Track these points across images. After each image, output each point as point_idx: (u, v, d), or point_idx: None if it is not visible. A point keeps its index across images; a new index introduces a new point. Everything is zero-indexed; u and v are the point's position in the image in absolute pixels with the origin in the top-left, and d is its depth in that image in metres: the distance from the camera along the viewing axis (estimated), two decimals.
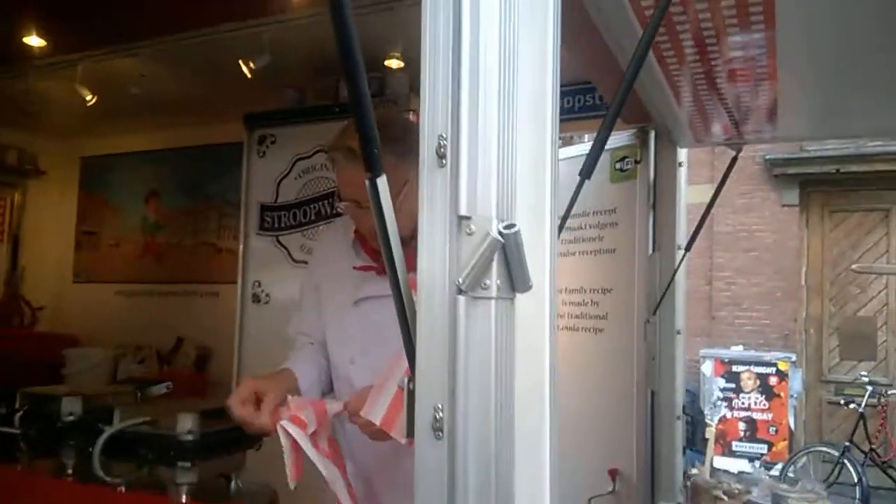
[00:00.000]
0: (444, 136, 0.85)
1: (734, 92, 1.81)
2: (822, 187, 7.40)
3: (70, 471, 1.45)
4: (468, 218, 0.83)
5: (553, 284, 0.96)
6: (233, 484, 1.54)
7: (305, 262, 2.89)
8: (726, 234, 7.57)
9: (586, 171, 1.21)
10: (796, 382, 6.84)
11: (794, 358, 6.86)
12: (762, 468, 6.54)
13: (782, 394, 6.67)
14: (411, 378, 0.93)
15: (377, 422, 1.06)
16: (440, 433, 0.83)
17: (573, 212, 1.72)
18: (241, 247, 3.12)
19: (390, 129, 1.44)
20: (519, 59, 0.88)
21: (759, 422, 6.72)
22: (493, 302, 0.82)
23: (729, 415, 6.76)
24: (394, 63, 2.81)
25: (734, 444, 6.76)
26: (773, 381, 6.71)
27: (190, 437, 1.36)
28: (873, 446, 5.81)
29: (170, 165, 4.40)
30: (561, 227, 1.81)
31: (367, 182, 0.84)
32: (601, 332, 2.53)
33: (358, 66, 0.80)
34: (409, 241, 1.50)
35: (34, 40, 1.58)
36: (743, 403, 6.77)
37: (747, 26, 1.38)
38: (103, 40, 1.75)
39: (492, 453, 0.82)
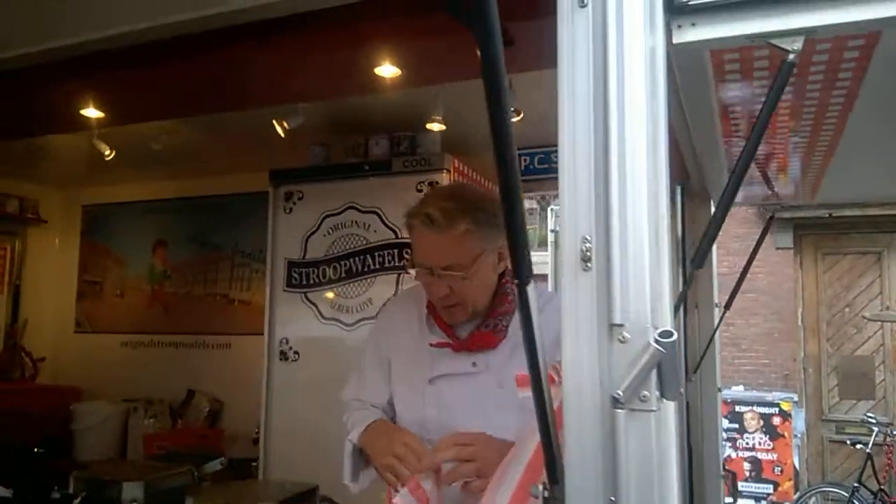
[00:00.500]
0: (589, 238, 0.83)
1: (789, 163, 1.82)
2: (815, 230, 7.52)
3: None
4: (621, 325, 0.81)
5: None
6: None
7: (335, 320, 2.86)
8: (723, 275, 7.61)
9: (699, 261, 1.21)
10: (800, 422, 6.86)
11: (795, 398, 6.88)
12: None
13: (786, 433, 6.67)
14: (548, 488, 0.90)
15: None
16: None
17: None
18: (268, 303, 3.06)
19: (465, 199, 1.46)
20: (659, 152, 0.88)
21: (763, 462, 6.71)
22: (652, 414, 0.79)
23: (734, 455, 6.74)
24: (435, 126, 2.81)
25: (740, 484, 6.71)
26: (776, 420, 6.71)
27: None
28: (882, 486, 5.80)
29: (178, 215, 4.35)
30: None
31: (516, 289, 0.82)
32: None
33: (515, 178, 0.79)
34: (483, 314, 1.48)
35: (91, 112, 1.57)
36: (747, 443, 6.76)
37: (824, 110, 1.40)
38: (145, 115, 1.74)
39: None
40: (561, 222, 0.86)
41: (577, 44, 0.86)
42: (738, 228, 7.71)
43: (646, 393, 0.79)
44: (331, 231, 2.96)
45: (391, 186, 2.83)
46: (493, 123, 0.80)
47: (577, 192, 0.85)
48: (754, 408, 6.80)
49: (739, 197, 2.45)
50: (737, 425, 6.78)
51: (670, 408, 0.84)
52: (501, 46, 0.67)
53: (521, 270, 0.82)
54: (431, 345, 1.54)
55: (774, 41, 0.89)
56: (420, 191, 2.75)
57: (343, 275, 2.86)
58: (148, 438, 3.53)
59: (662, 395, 0.82)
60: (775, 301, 7.58)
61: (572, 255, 0.84)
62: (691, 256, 1.86)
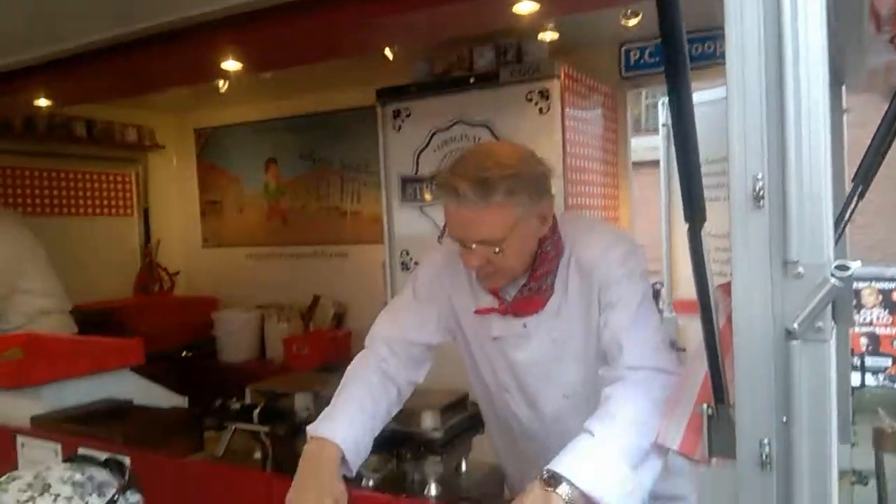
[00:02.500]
0: (760, 176, 0.85)
1: None
2: None
3: None
4: (795, 262, 0.84)
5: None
6: (463, 465, 1.65)
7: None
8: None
9: (864, 178, 1.18)
10: None
11: None
12: (886, 381, 6.47)
13: None
14: (713, 406, 0.98)
15: (675, 447, 1.11)
16: (769, 465, 0.87)
17: (719, 156, 1.68)
18: (385, 216, 3.20)
19: (498, 167, 1.32)
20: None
21: (881, 336, 6.60)
22: (827, 344, 0.84)
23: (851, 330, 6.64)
24: (547, 35, 2.74)
25: (855, 359, 6.66)
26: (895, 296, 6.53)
27: (437, 434, 1.46)
28: None
29: (286, 133, 4.51)
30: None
31: (687, 230, 0.86)
32: None
33: (689, 114, 0.81)
34: (526, 277, 1.42)
35: (231, 64, 1.64)
36: (864, 319, 6.64)
37: None
38: (283, 63, 1.79)
39: (828, 480, 0.86)
40: (730, 161, 0.87)
41: None
42: (856, 98, 7.17)
43: (820, 324, 0.83)
44: (440, 147, 3.01)
45: (499, 98, 2.82)
46: (668, 68, 0.82)
47: (748, 132, 0.86)
48: (872, 283, 6.62)
49: (882, 85, 2.31)
50: (854, 301, 6.62)
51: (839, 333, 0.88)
52: None
53: (693, 212, 0.86)
54: (478, 310, 1.49)
55: None
56: (530, 100, 2.73)
57: None
58: (287, 341, 3.87)
59: (835, 322, 0.86)
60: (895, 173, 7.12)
61: (743, 193, 0.86)
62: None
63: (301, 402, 1.70)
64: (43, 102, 2.12)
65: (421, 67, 3.08)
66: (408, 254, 3.13)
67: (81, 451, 0.94)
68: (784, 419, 0.85)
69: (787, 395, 0.85)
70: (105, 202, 4.83)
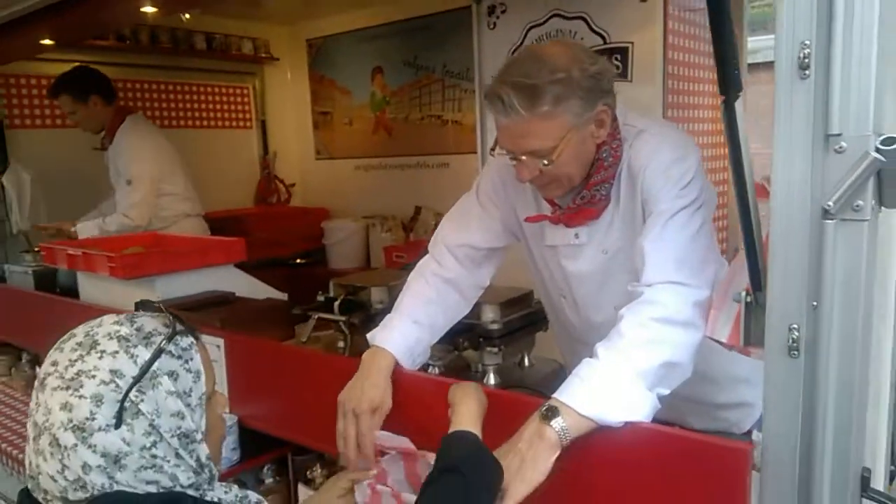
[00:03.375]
0: (808, 43, 0.78)
1: None
2: None
3: None
4: (838, 135, 0.77)
5: None
6: (525, 360, 1.69)
7: None
8: None
9: None
10: None
11: None
12: None
13: None
14: (749, 293, 0.94)
15: (724, 338, 1.07)
16: (796, 352, 0.84)
17: None
18: (478, 121, 3.18)
19: (545, 71, 1.24)
20: None
21: None
22: (865, 224, 0.78)
23: None
24: None
25: None
26: None
27: (495, 326, 1.50)
28: None
29: (390, 40, 4.51)
30: None
31: (722, 104, 0.81)
32: None
33: None
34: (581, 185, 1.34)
35: None
36: None
37: None
38: None
39: (856, 370, 0.82)
40: (777, 26, 0.80)
41: None
42: None
43: (860, 202, 0.78)
44: (536, 42, 2.90)
45: None
46: None
47: None
48: None
49: None
50: None
51: (885, 216, 0.81)
52: None
53: (728, 85, 0.81)
54: (527, 219, 1.48)
55: None
56: None
57: None
58: (387, 250, 4.02)
59: (882, 204, 0.80)
60: None
61: (788, 61, 0.80)
62: None
63: (376, 295, 1.79)
64: (149, 9, 2.24)
65: None
66: None
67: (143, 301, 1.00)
68: (815, 304, 0.81)
69: (819, 279, 0.80)
70: (226, 115, 5.11)
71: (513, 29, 2.96)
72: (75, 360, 0.87)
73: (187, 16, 4.20)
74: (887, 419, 0.97)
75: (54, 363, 0.88)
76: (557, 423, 1.04)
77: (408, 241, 4.12)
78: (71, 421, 0.84)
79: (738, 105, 0.79)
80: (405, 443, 1.20)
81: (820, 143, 0.79)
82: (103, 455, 0.84)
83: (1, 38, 2.62)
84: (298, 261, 4.58)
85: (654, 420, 1.08)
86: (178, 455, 0.88)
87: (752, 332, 0.93)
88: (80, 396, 0.84)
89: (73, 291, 2.57)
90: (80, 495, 0.85)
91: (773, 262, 0.84)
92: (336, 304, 1.79)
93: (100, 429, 0.84)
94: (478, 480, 0.99)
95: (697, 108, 2.82)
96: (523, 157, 1.30)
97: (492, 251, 1.57)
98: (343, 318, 1.75)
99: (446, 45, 4.14)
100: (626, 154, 1.35)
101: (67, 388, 0.85)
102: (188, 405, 0.90)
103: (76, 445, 0.83)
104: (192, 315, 1.96)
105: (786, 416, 0.86)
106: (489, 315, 1.53)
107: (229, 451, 1.74)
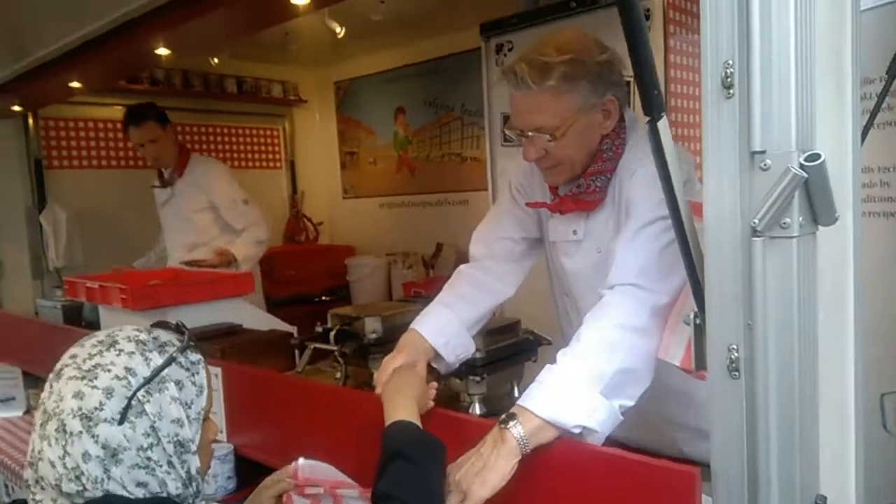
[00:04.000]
0: (731, 63, 0.79)
1: None
2: None
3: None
4: (762, 153, 0.77)
5: (857, 208, 0.88)
6: (515, 390, 1.68)
7: None
8: None
9: None
10: None
11: None
12: None
13: None
14: (697, 315, 0.92)
15: (677, 362, 1.06)
16: (736, 373, 0.82)
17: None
18: (489, 158, 3.21)
19: (559, 51, 1.29)
20: None
21: None
22: (794, 241, 0.77)
23: None
24: None
25: None
26: None
27: (478, 355, 1.50)
28: None
29: (412, 80, 4.63)
30: (875, 110, 1.56)
31: (647, 124, 0.82)
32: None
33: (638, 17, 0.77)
34: (580, 176, 1.36)
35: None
36: None
37: None
38: None
39: (795, 392, 0.80)
40: (702, 46, 0.81)
41: None
42: None
43: (787, 220, 0.77)
44: None
45: (598, 21, 2.67)
46: None
47: (719, 11, 0.80)
48: None
49: None
50: None
51: (831, 233, 0.81)
52: None
53: (651, 106, 0.82)
54: (528, 204, 1.51)
55: None
56: None
57: None
58: (406, 286, 4.07)
59: (816, 221, 0.79)
60: None
61: (713, 81, 0.81)
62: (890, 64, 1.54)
63: (370, 325, 1.81)
64: (163, 51, 2.35)
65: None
66: None
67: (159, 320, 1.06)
68: (749, 323, 0.80)
69: (751, 298, 0.79)
70: (256, 155, 5.28)
71: None
72: (94, 355, 0.93)
73: (216, 60, 4.39)
74: (854, 444, 0.93)
75: (73, 356, 0.95)
76: (516, 428, 1.04)
77: (428, 278, 4.16)
78: (80, 409, 0.89)
79: (663, 126, 0.80)
80: (330, 473, 1.20)
81: (746, 160, 0.79)
82: (103, 447, 0.88)
83: (34, 82, 2.78)
84: (323, 298, 4.65)
85: (644, 447, 1.07)
86: (170, 463, 0.92)
87: (698, 354, 0.92)
88: (94, 387, 0.90)
89: (96, 324, 2.66)
90: (73, 487, 0.88)
91: (709, 282, 0.84)
92: (331, 334, 1.82)
93: (105, 420, 0.88)
94: (426, 461, 1.01)
95: (696, 132, 2.82)
96: (530, 134, 1.34)
97: (527, 243, 1.60)
98: (336, 348, 1.77)
99: (464, 85, 4.23)
100: (626, 156, 1.38)
101: (83, 378, 0.91)
102: (188, 416, 0.95)
103: (81, 433, 0.88)
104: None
105: (731, 438, 0.84)
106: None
107: (225, 479, 1.75)
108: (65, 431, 0.88)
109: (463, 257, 4.39)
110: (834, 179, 0.78)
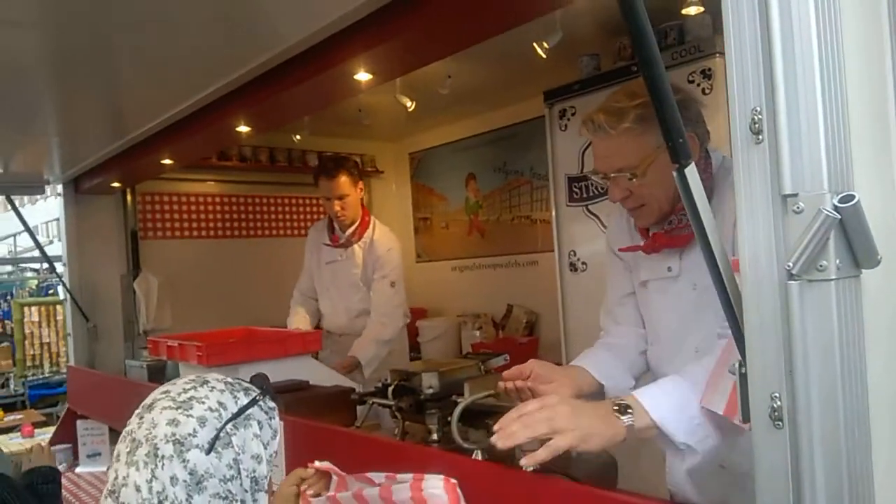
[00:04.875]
0: (759, 109, 0.80)
1: None
2: None
3: (435, 437, 1.70)
4: (794, 195, 0.77)
5: None
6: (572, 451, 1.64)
7: None
8: None
9: None
10: None
11: None
12: None
13: None
14: (741, 363, 0.90)
15: (720, 410, 1.03)
16: (780, 422, 0.79)
17: None
18: (554, 219, 3.24)
19: (631, 95, 1.36)
20: (843, 11, 0.78)
21: None
22: (832, 284, 0.75)
23: None
24: (692, 10, 2.60)
25: None
26: None
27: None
28: None
29: (482, 148, 4.76)
30: None
31: (675, 173, 0.83)
32: None
33: (654, 55, 0.79)
34: (669, 215, 1.38)
35: (363, 76, 1.86)
36: None
37: None
38: (418, 62, 1.96)
39: (842, 442, 0.76)
40: (730, 93, 0.83)
41: None
42: None
43: (823, 262, 0.75)
44: None
45: None
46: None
47: (744, 60, 0.81)
48: None
49: None
50: None
51: (874, 276, 0.78)
52: None
53: (678, 154, 0.83)
54: (620, 249, 1.56)
55: None
56: (692, 81, 2.58)
57: None
58: (475, 346, 4.06)
59: (858, 264, 0.77)
60: None
61: (743, 127, 0.82)
62: None
63: (427, 380, 1.82)
64: (243, 128, 2.53)
65: (586, 63, 3.08)
66: (575, 254, 3.13)
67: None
68: (790, 370, 0.78)
69: (790, 344, 0.77)
70: None
71: None
72: (188, 389, 1.01)
73: (298, 137, 4.66)
74: None
75: (166, 392, 1.02)
76: (627, 418, 1.11)
77: (497, 338, 4.14)
78: (174, 434, 0.94)
79: (691, 172, 0.81)
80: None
81: (779, 204, 0.78)
82: (191, 473, 0.93)
83: (130, 159, 3.04)
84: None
85: None
86: (243, 501, 0.97)
87: (743, 403, 0.89)
88: (189, 416, 0.96)
89: None
90: None
91: (748, 329, 0.82)
92: (389, 389, 1.84)
93: (196, 447, 0.94)
94: None
95: None
96: (613, 175, 1.40)
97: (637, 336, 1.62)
98: (393, 403, 1.79)
99: (532, 150, 4.31)
100: (717, 192, 1.40)
101: (178, 407, 0.97)
102: (265, 455, 1.02)
103: (172, 457, 0.93)
104: None
105: (777, 490, 0.80)
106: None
107: None
108: (156, 455, 0.94)
109: (532, 318, 4.36)
110: (878, 219, 0.77)
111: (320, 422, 1.91)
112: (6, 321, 7.78)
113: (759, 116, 0.80)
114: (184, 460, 0.93)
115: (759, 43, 0.80)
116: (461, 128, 4.89)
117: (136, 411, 1.02)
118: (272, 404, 1.08)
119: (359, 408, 2.06)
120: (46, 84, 2.25)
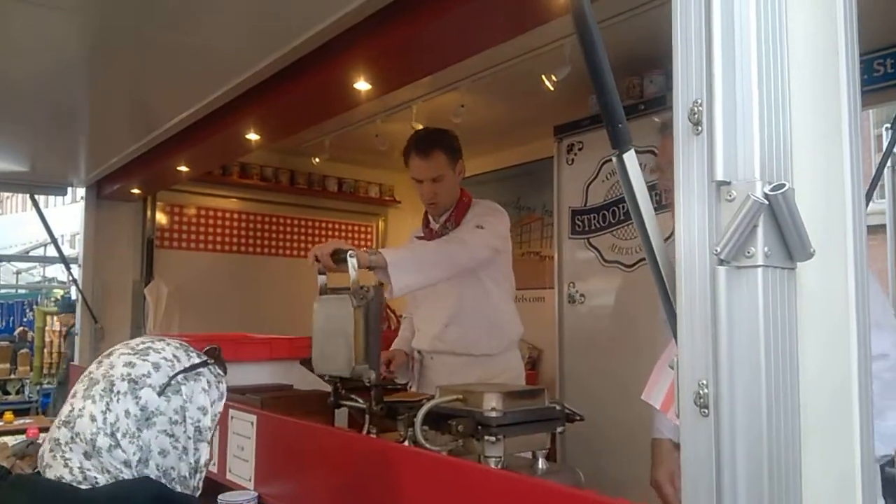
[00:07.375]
0: (699, 101, 0.81)
1: None
2: None
3: (404, 440, 1.69)
4: (727, 183, 0.78)
5: (859, 253, 0.85)
6: (540, 462, 1.62)
7: (616, 263, 2.91)
8: None
9: None
10: None
11: None
12: None
13: None
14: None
15: (658, 405, 1.02)
16: (706, 409, 0.79)
17: None
18: (556, 251, 3.25)
19: None
20: (789, 4, 0.81)
21: None
22: (759, 270, 0.76)
23: None
24: None
25: None
26: None
27: (493, 414, 1.48)
28: None
29: (496, 184, 4.80)
30: (871, 190, 1.52)
31: (614, 159, 0.85)
32: None
33: (596, 44, 0.82)
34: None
35: (362, 85, 1.92)
36: None
37: None
38: (417, 71, 2.03)
39: (764, 432, 0.75)
40: (674, 88, 0.85)
41: None
42: None
43: (751, 249, 0.76)
44: (609, 176, 3.00)
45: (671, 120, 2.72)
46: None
47: (689, 55, 0.83)
48: None
49: None
50: None
51: (815, 272, 0.79)
52: None
53: (618, 140, 0.85)
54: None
55: None
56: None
57: (622, 217, 2.87)
58: None
59: (791, 256, 0.78)
60: None
61: (684, 118, 0.83)
62: None
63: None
64: (253, 136, 2.60)
65: (594, 101, 3.13)
66: (574, 286, 3.12)
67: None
68: (716, 357, 0.78)
69: (716, 330, 0.77)
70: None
71: (588, 164, 3.09)
72: (147, 343, 1.10)
73: (317, 160, 4.75)
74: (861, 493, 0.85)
75: (126, 343, 1.10)
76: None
77: None
78: (130, 374, 1.02)
79: (629, 158, 0.83)
80: None
81: (713, 192, 0.79)
82: (142, 409, 1.00)
83: (150, 164, 3.13)
84: (390, 386, 4.66)
85: None
86: (185, 448, 1.04)
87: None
88: (144, 360, 1.04)
89: None
90: (107, 442, 0.98)
91: (680, 316, 0.82)
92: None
93: (149, 386, 1.02)
94: None
95: None
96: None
97: None
98: (365, 405, 1.80)
99: (545, 188, 4.33)
100: None
101: (135, 353, 1.05)
102: (210, 411, 1.09)
103: (126, 393, 1.01)
104: (242, 397, 2.10)
105: (702, 480, 0.79)
106: (490, 402, 1.51)
107: None
108: (112, 391, 1.00)
109: (534, 353, 4.31)
110: (819, 212, 0.78)
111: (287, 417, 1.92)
112: (29, 330, 7.90)
113: (700, 108, 0.81)
114: (136, 397, 1.01)
115: (703, 36, 0.82)
116: (477, 163, 4.93)
117: (98, 359, 1.08)
118: (221, 372, 1.15)
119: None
120: (85, 79, 2.35)
